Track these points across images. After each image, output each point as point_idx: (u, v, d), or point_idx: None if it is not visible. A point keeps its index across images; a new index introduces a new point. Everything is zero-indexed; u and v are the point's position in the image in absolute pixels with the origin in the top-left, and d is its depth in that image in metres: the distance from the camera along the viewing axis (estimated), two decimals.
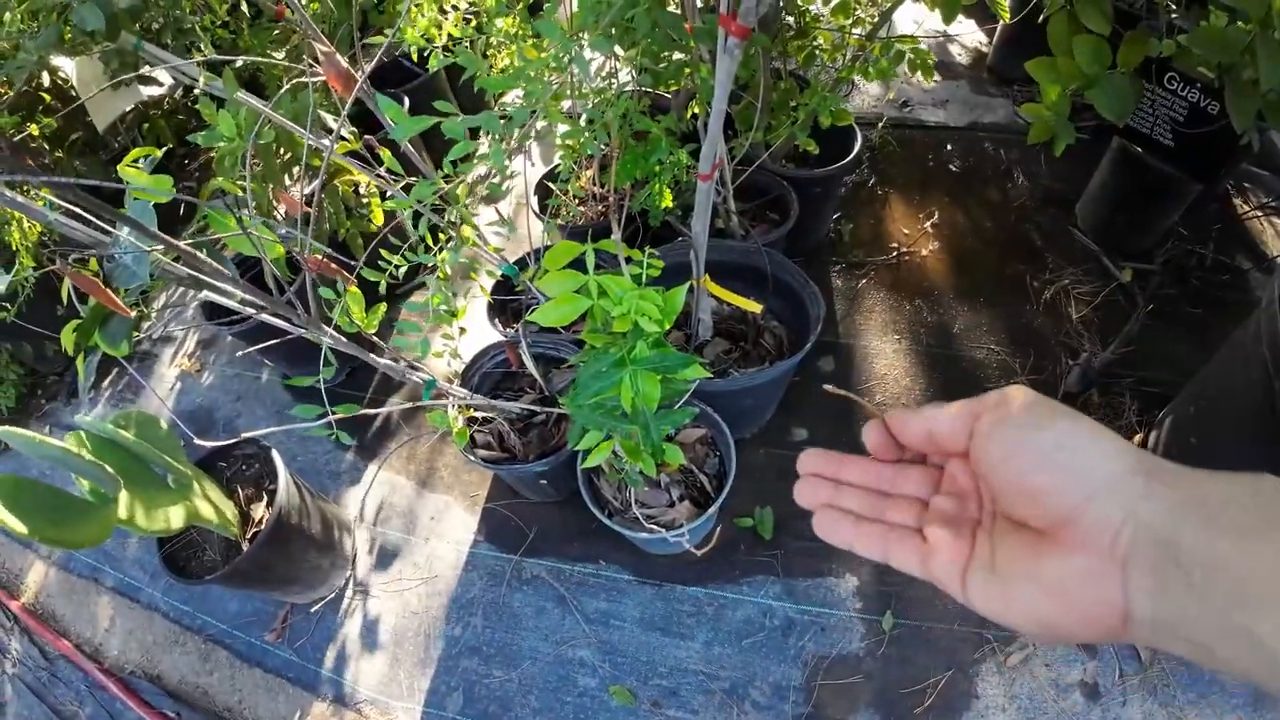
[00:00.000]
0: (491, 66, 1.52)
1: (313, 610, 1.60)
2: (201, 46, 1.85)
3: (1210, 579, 0.26)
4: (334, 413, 0.81)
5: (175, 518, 1.26)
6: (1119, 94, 1.36)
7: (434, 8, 1.19)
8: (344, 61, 0.91)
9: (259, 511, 1.44)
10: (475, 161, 0.82)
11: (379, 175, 1.08)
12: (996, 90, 2.56)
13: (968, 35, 2.78)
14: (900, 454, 0.40)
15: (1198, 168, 1.62)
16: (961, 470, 0.37)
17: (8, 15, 1.50)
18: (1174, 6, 1.49)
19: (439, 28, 1.17)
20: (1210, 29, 1.26)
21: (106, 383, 2.29)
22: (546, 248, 1.41)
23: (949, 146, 2.36)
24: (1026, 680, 1.29)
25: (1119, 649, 1.30)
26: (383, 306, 0.98)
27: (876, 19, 1.48)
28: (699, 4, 1.15)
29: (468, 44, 1.17)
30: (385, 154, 0.98)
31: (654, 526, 1.20)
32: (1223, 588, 0.26)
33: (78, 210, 0.82)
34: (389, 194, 0.97)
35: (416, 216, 0.96)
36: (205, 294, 0.96)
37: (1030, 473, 0.32)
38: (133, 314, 0.84)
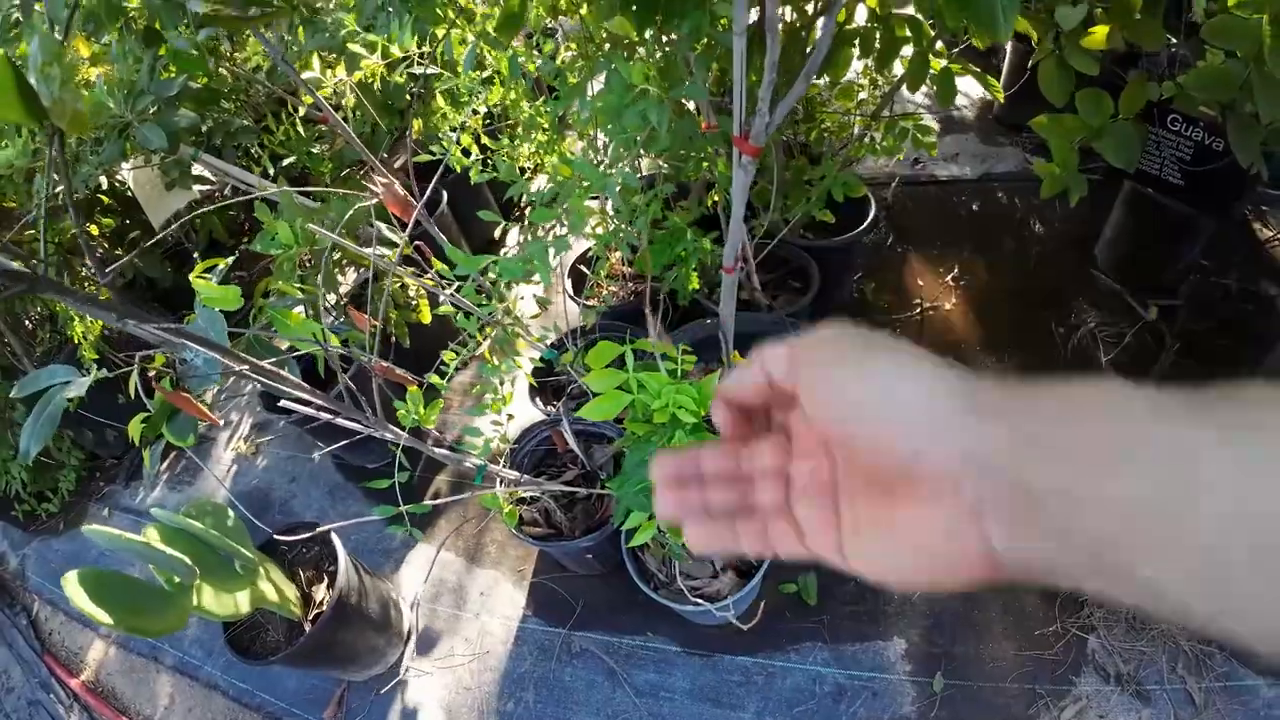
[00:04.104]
0: (514, 160, 1.65)
1: (369, 687, 1.64)
2: (250, 149, 2.00)
3: (1071, 521, 0.24)
4: (406, 512, 0.88)
5: (243, 602, 1.33)
6: (1125, 142, 1.40)
7: (474, 122, 1.31)
8: (400, 189, 1.01)
9: (320, 593, 1.50)
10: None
11: (429, 278, 1.18)
12: (1005, 139, 2.63)
13: (972, 89, 2.87)
14: (751, 426, 0.37)
15: (1210, 203, 1.63)
16: (806, 428, 0.34)
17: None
18: (1173, 41, 1.53)
19: (477, 142, 1.29)
20: (1207, 68, 1.30)
21: (165, 465, 2.40)
22: (583, 329, 1.50)
23: (963, 199, 2.42)
24: None
25: (1171, 694, 1.28)
26: (440, 402, 1.06)
27: (879, 99, 1.57)
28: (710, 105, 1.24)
29: (503, 155, 1.28)
30: (437, 264, 1.07)
31: (699, 600, 1.23)
32: (1088, 529, 0.24)
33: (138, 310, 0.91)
34: (442, 299, 1.06)
35: (468, 316, 1.05)
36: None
37: (853, 422, 0.29)
38: (220, 421, 0.93)
